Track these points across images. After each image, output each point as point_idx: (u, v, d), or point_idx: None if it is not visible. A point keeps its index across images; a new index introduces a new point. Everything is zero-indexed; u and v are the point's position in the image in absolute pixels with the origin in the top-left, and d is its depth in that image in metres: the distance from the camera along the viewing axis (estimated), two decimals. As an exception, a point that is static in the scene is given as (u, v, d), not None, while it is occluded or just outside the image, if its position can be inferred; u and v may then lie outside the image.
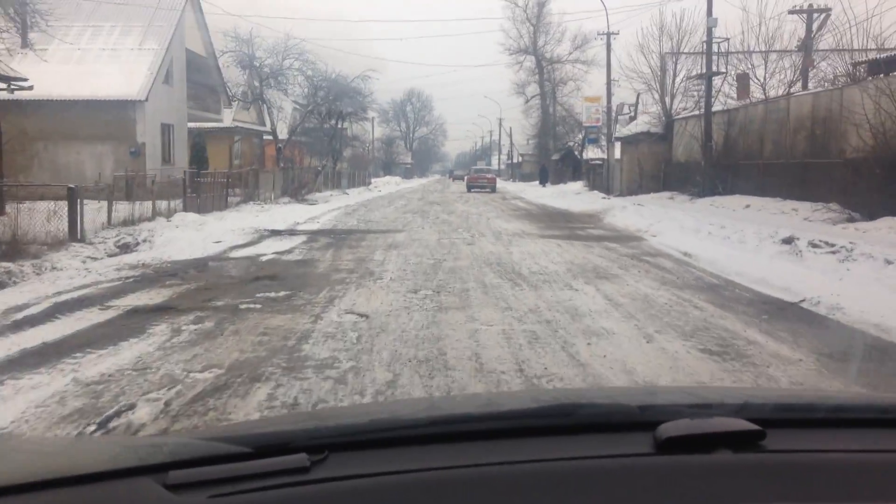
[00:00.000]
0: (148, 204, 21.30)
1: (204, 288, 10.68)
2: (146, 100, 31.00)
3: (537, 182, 65.17)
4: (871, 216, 17.71)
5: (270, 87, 42.48)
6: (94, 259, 14.38)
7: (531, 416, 1.74)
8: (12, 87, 21.56)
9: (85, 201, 18.36)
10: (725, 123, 30.30)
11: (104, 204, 19.16)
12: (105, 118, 30.70)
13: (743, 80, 33.41)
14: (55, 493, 1.38)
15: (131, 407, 5.28)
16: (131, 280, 11.32)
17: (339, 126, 50.60)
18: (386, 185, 68.43)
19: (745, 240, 14.89)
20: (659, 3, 74.12)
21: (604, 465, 1.48)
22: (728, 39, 32.30)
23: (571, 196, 40.00)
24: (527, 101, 74.94)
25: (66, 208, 16.20)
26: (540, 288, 10.61)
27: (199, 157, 35.19)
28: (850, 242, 12.67)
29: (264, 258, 14.25)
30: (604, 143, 48.83)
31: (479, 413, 1.80)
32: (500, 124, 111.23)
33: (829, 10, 30.82)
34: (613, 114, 47.18)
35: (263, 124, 47.18)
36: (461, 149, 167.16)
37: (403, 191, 56.59)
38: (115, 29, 33.37)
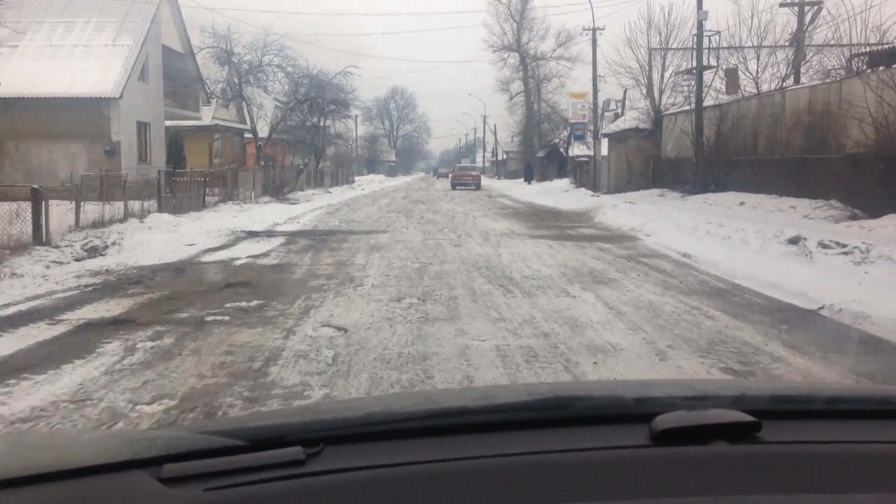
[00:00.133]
0: (121, 204, 20.43)
1: (169, 297, 9.80)
2: (121, 97, 29.94)
3: (522, 179, 64.50)
4: (875, 213, 16.93)
5: (250, 83, 41.58)
6: (60, 263, 13.55)
7: (527, 408, 1.73)
8: (-21, 84, 20.63)
9: (56, 202, 17.64)
10: (717, 118, 29.52)
11: (83, 205, 18.32)
12: (78, 116, 29.65)
13: (732, 75, 32.76)
14: (49, 486, 1.37)
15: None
16: (90, 289, 10.43)
17: (322, 124, 49.91)
18: (370, 183, 67.58)
19: (748, 239, 14.08)
20: (645, -3, 73.02)
21: (600, 457, 1.47)
22: (719, 33, 31.47)
23: (559, 193, 39.19)
24: (511, 98, 74.35)
25: (31, 210, 15.32)
26: (534, 295, 9.78)
27: (176, 156, 34.24)
28: (863, 242, 11.87)
29: (238, 262, 13.38)
30: (590, 139, 48.02)
31: (474, 406, 1.75)
32: (485, 121, 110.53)
33: (821, 2, 30.16)
34: (600, 110, 46.45)
35: (244, 122, 46.17)
36: (445, 146, 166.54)
37: (387, 189, 55.69)
38: (88, 25, 32.32)
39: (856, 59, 22.32)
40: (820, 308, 8.60)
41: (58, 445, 1.86)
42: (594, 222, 22.43)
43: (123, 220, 19.77)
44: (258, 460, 1.41)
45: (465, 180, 54.04)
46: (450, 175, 63.25)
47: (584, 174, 47.68)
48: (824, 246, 11.90)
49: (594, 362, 6.46)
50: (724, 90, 32.29)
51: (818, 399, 1.87)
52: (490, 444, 1.51)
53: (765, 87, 29.30)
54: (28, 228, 15.12)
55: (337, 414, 1.87)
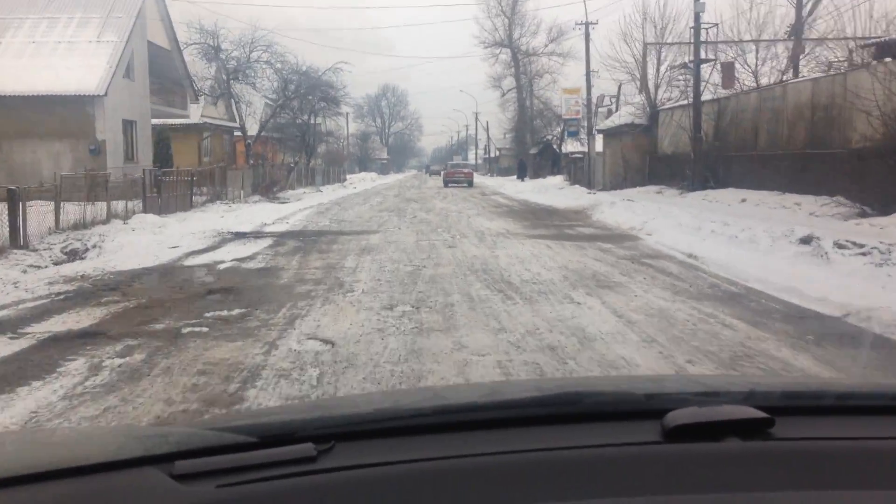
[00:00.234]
0: (105, 205, 19.78)
1: (145, 306, 9.15)
2: (105, 94, 29.20)
3: (515, 176, 63.96)
4: (885, 210, 16.31)
5: (238, 80, 40.88)
6: (38, 268, 12.96)
7: (537, 404, 1.70)
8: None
9: (39, 203, 17.02)
10: (715, 113, 28.90)
11: (60, 205, 17.66)
12: (62, 114, 28.92)
13: (728, 69, 32.09)
14: (62, 483, 1.36)
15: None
16: (62, 297, 9.76)
17: (313, 121, 49.26)
18: (361, 181, 66.85)
19: (756, 239, 13.41)
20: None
21: (611, 453, 1.44)
22: (717, 25, 30.85)
23: (554, 191, 38.50)
24: (503, 95, 73.89)
25: (7, 212, 14.66)
26: (536, 301, 9.13)
27: (163, 155, 33.56)
28: (882, 242, 11.22)
29: (222, 266, 12.72)
30: (584, 135, 47.40)
31: (484, 402, 1.75)
32: (477, 118, 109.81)
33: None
34: (594, 105, 45.84)
35: (234, 120, 45.45)
36: (437, 144, 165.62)
37: (379, 187, 54.96)
38: (72, 21, 31.60)
39: (861, 50, 21.66)
40: (845, 315, 7.96)
41: (69, 442, 1.87)
42: (592, 221, 21.76)
43: (106, 221, 19.14)
44: (270, 457, 1.40)
45: (457, 177, 54.16)
46: (442, 172, 63.03)
47: (579, 171, 47.08)
48: (840, 246, 11.26)
49: (608, 381, 5.81)
50: (721, 84, 31.67)
51: (830, 395, 1.85)
52: (500, 440, 1.50)
53: (763, 81, 28.67)
54: (5, 231, 14.48)
55: (346, 410, 1.86)
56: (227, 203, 29.22)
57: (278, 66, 42.57)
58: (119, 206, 20.77)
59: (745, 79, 30.15)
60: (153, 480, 1.35)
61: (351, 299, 9.40)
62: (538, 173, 62.63)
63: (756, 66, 30.11)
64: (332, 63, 47.10)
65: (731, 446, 1.44)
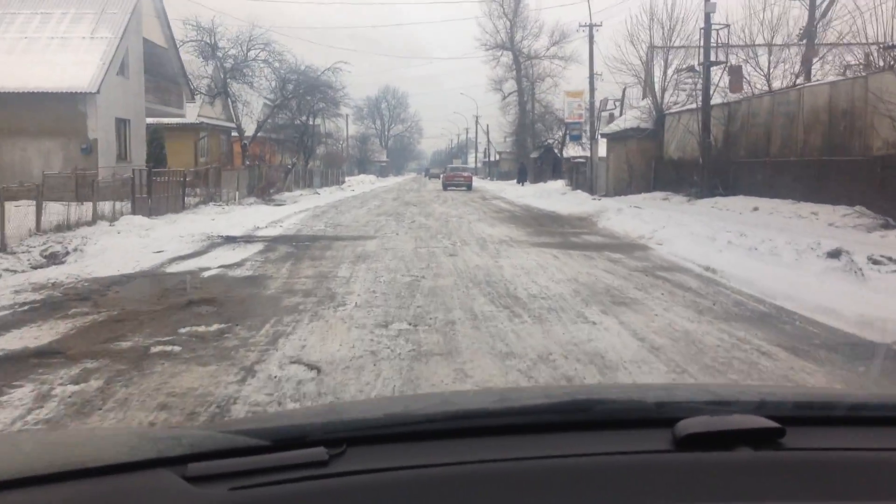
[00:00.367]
0: (92, 206, 18.97)
1: (115, 319, 8.30)
2: (98, 92, 28.33)
3: (515, 181, 63.27)
4: (911, 222, 15.49)
5: (236, 80, 40.06)
6: (13, 272, 12.24)
7: (548, 411, 1.69)
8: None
9: (25, 202, 16.29)
10: (725, 117, 28.04)
11: (45, 206, 16.87)
12: (53, 112, 28.09)
13: (736, 73, 31.22)
14: (75, 484, 1.35)
15: None
16: (26, 308, 8.91)
17: (311, 122, 48.48)
18: (360, 183, 66.07)
19: (778, 251, 12.54)
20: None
21: (622, 461, 1.43)
22: (728, 26, 29.88)
23: (556, 196, 37.62)
24: (504, 98, 73.08)
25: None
26: (546, 320, 8.27)
27: (156, 154, 32.69)
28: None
29: (207, 274, 11.87)
30: (587, 140, 46.56)
31: (495, 408, 1.73)
32: (477, 121, 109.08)
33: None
34: (597, 109, 45.02)
35: (231, 120, 44.59)
36: (437, 147, 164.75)
37: (378, 190, 54.19)
38: (65, 16, 30.79)
39: (884, 52, 20.78)
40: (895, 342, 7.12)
41: (81, 443, 1.83)
42: (598, 228, 20.87)
43: (92, 223, 18.37)
44: (282, 460, 1.40)
45: (456, 181, 54.28)
46: (441, 175, 62.63)
47: (581, 176, 46.26)
48: (875, 262, 10.40)
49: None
50: (729, 89, 30.82)
51: (841, 405, 1.80)
52: (510, 447, 1.49)
53: (776, 84, 27.81)
54: (-18, 233, 13.72)
55: (358, 414, 1.84)
56: (220, 205, 28.44)
57: (276, 64, 41.75)
58: (107, 207, 19.99)
59: (756, 82, 29.28)
60: (166, 482, 1.35)
61: (342, 315, 8.55)
62: (539, 178, 61.88)
63: (769, 68, 29.23)
64: (330, 62, 46.17)
65: (742, 456, 1.43)
